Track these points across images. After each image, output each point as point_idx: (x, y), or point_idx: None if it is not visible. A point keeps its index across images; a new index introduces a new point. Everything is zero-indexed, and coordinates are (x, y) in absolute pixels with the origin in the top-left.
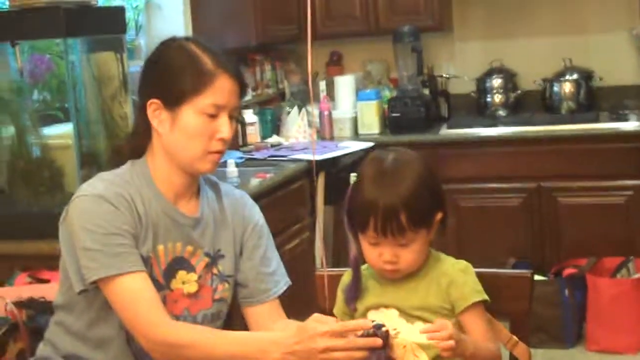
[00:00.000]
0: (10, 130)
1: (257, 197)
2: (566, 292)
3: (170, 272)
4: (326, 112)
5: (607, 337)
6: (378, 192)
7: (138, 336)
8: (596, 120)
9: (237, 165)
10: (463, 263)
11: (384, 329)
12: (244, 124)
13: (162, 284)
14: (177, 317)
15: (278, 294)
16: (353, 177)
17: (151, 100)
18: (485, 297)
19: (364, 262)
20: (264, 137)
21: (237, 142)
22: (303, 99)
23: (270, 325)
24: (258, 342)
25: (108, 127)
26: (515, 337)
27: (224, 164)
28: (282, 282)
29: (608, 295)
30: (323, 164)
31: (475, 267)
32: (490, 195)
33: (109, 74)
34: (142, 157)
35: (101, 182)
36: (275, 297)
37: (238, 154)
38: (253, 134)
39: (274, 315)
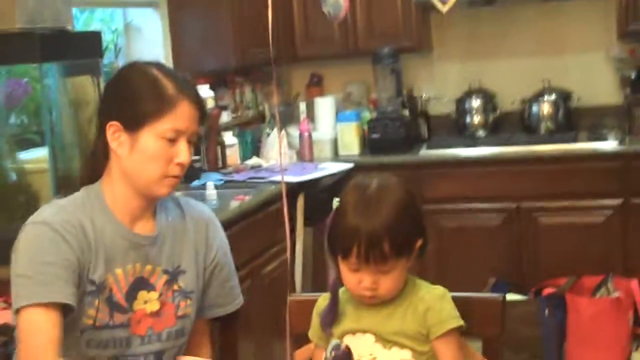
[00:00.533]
0: None
1: (236, 219)
2: (546, 311)
3: (132, 294)
4: (306, 134)
5: (588, 356)
6: (361, 220)
7: None
8: (575, 140)
9: (217, 187)
10: (440, 289)
11: (342, 345)
12: (224, 146)
13: (125, 307)
14: (142, 338)
15: (234, 309)
16: (336, 202)
17: (111, 123)
18: (461, 322)
19: (342, 285)
20: (243, 158)
21: (217, 164)
22: (283, 120)
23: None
24: None
25: (84, 151)
26: None
27: (203, 187)
28: (238, 299)
29: (588, 314)
30: (303, 186)
31: (455, 287)
32: (470, 215)
33: (86, 98)
34: (96, 183)
35: (52, 208)
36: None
37: (218, 176)
38: (232, 155)
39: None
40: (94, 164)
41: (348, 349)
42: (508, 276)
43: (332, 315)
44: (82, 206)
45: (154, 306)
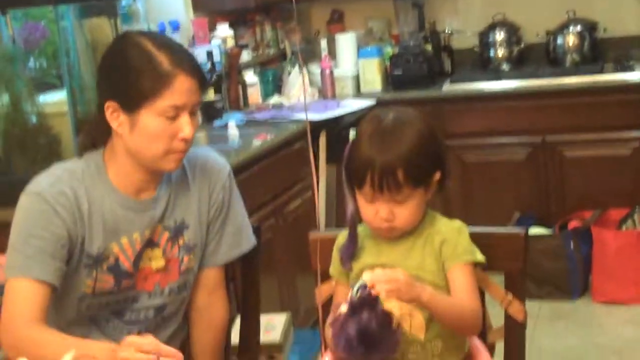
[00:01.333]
0: (6, 98)
1: (258, 158)
2: (572, 244)
3: (139, 257)
4: (327, 71)
5: (613, 289)
6: (376, 148)
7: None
8: (601, 72)
9: (238, 126)
10: (457, 223)
11: (360, 293)
12: (245, 85)
13: (131, 272)
14: (149, 293)
15: (246, 250)
16: (352, 133)
17: (108, 103)
18: (477, 257)
19: (361, 221)
20: (265, 97)
21: (238, 103)
22: (304, 58)
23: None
24: (89, 348)
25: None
26: (510, 296)
27: (225, 126)
28: (249, 240)
29: (613, 247)
30: (325, 124)
31: (479, 222)
32: (494, 150)
33: (103, 40)
34: (98, 152)
35: (49, 178)
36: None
37: (239, 115)
38: (254, 95)
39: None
40: (95, 135)
41: (364, 287)
42: (533, 210)
43: (351, 250)
44: (81, 177)
45: (159, 263)
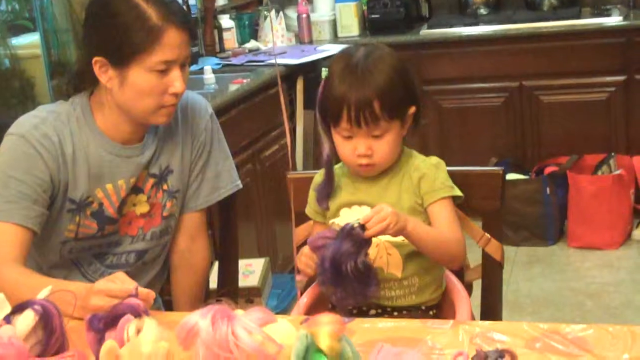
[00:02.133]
0: None
1: (235, 103)
2: (548, 190)
3: (123, 203)
4: (304, 15)
5: (588, 233)
6: (350, 83)
7: None
8: (578, 16)
9: (214, 71)
10: (435, 159)
11: (356, 226)
12: (220, 30)
13: (115, 218)
14: (131, 238)
15: (228, 193)
16: (324, 72)
17: (96, 59)
18: (455, 192)
19: (337, 161)
20: (241, 42)
21: (214, 48)
22: (281, 2)
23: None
24: (66, 287)
25: (78, 36)
26: (487, 235)
27: (201, 71)
28: (234, 183)
29: (589, 192)
30: (302, 68)
31: (456, 166)
32: (471, 95)
33: None
34: (85, 95)
35: (33, 119)
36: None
37: (215, 60)
38: (230, 39)
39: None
40: (79, 84)
41: (361, 227)
42: (510, 155)
43: (328, 189)
44: (66, 120)
45: (144, 208)
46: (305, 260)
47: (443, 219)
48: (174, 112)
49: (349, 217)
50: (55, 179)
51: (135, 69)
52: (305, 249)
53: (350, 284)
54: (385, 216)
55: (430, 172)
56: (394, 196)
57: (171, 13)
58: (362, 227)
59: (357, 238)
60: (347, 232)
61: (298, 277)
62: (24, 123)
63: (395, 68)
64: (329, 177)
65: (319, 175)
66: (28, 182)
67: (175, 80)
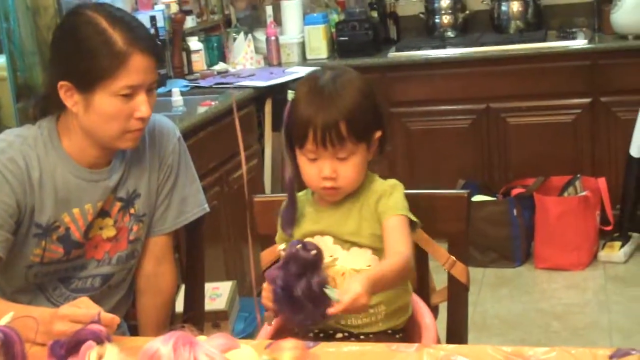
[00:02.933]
0: None
1: (203, 125)
2: (515, 211)
3: (90, 227)
4: (273, 38)
5: (555, 255)
6: (316, 104)
7: None
8: (544, 39)
9: (183, 93)
10: (392, 181)
11: (312, 252)
12: (189, 52)
13: (81, 242)
14: (98, 261)
15: (196, 216)
16: (291, 94)
17: (61, 83)
18: (409, 214)
19: (301, 188)
20: (210, 64)
21: (182, 70)
22: (250, 24)
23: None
24: (29, 312)
25: (44, 59)
26: (453, 257)
27: (169, 93)
28: (201, 206)
29: (555, 213)
30: (270, 90)
31: (424, 189)
32: (439, 117)
33: (44, 3)
34: (52, 119)
35: (0, 143)
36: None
37: (183, 82)
38: (198, 61)
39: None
40: (46, 107)
41: (303, 247)
42: (477, 178)
43: (290, 214)
44: (33, 144)
45: (110, 232)
46: (266, 294)
47: (394, 233)
48: (141, 136)
49: None
50: (22, 204)
51: (100, 93)
52: (265, 284)
53: (305, 307)
54: (360, 307)
55: (387, 193)
56: (354, 224)
57: (137, 38)
58: (304, 246)
59: (302, 260)
60: (292, 256)
61: (266, 314)
62: None
63: (363, 91)
64: (292, 202)
65: (285, 202)
66: None
67: (141, 104)
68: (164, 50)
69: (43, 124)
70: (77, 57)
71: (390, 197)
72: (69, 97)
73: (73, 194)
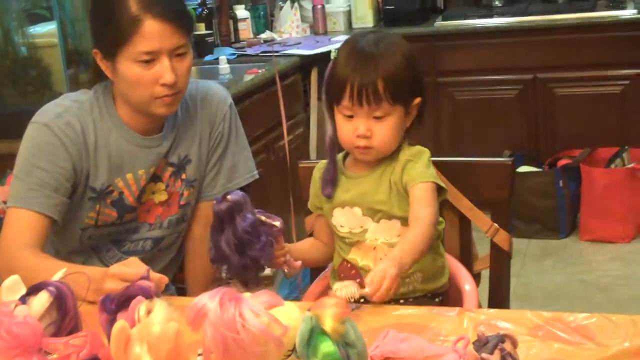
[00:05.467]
0: None
1: (250, 93)
2: (560, 182)
3: (143, 192)
4: (319, 6)
5: (600, 227)
6: (357, 62)
7: None
8: (593, 9)
9: (229, 61)
10: (418, 147)
11: (224, 204)
12: (236, 20)
13: (134, 206)
14: (149, 225)
15: (245, 182)
16: (333, 52)
17: (94, 50)
18: (434, 179)
19: (341, 149)
20: (256, 33)
21: (229, 38)
22: None
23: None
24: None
25: None
26: (496, 225)
27: (216, 61)
28: (251, 173)
29: (602, 185)
30: (316, 59)
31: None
32: (485, 87)
33: None
34: (108, 84)
35: (57, 108)
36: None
37: (230, 50)
38: (245, 29)
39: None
40: (96, 74)
41: (217, 201)
42: (523, 148)
43: (331, 174)
44: (89, 109)
45: (162, 196)
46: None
47: (419, 200)
48: (176, 101)
49: (342, 217)
50: (78, 168)
51: (122, 60)
52: None
53: (231, 258)
54: (389, 286)
55: (412, 161)
56: (384, 193)
57: (151, 3)
58: (218, 199)
59: (217, 214)
60: (213, 213)
61: (287, 270)
62: (48, 112)
63: (405, 55)
64: (332, 160)
65: (317, 170)
66: (51, 171)
67: (163, 71)
68: (210, 18)
69: (99, 89)
70: (98, 24)
71: (415, 165)
72: (102, 64)
73: (126, 160)
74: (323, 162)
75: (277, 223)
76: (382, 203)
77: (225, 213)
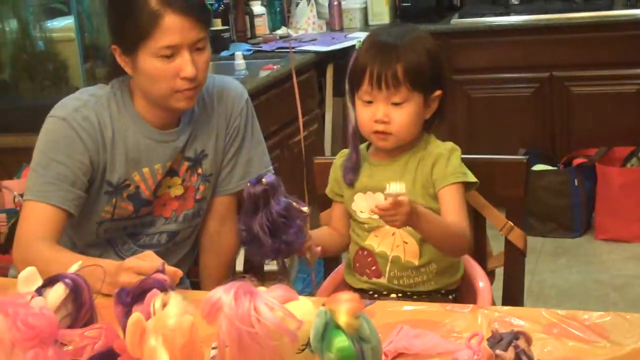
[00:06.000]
0: (13, 24)
1: (265, 89)
2: (575, 181)
3: (159, 186)
4: (335, 2)
5: (615, 226)
6: (379, 48)
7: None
8: (611, 7)
9: (245, 57)
10: (450, 144)
11: (260, 186)
12: (252, 16)
13: (150, 200)
14: (165, 219)
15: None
16: (358, 43)
17: (112, 46)
18: (468, 178)
19: (362, 140)
20: (272, 29)
21: (245, 34)
22: None
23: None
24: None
25: None
26: (510, 223)
27: (232, 57)
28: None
29: (617, 184)
30: (331, 55)
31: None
32: (501, 85)
33: None
34: (125, 79)
35: (75, 102)
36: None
37: (246, 46)
38: (261, 25)
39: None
40: (113, 69)
41: (251, 183)
42: (538, 147)
43: (353, 162)
44: (107, 104)
45: (178, 191)
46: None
47: (450, 207)
48: (196, 95)
49: (363, 202)
50: (95, 162)
51: (142, 55)
52: None
53: (264, 242)
54: (399, 214)
55: (443, 158)
56: (409, 181)
57: None
58: (252, 182)
59: (252, 196)
60: (246, 195)
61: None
62: (66, 105)
63: (428, 49)
64: (355, 147)
65: (339, 157)
66: (68, 165)
67: (184, 64)
68: (226, 13)
69: (116, 84)
70: (117, 19)
71: (448, 162)
72: (121, 60)
73: (143, 154)
74: (345, 151)
75: (305, 209)
76: (408, 184)
77: (260, 196)
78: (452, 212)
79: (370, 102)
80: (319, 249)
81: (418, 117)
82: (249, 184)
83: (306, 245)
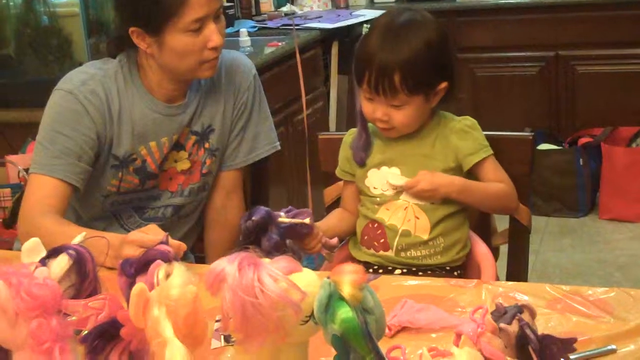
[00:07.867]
0: None
1: (270, 66)
2: (581, 161)
3: (165, 159)
4: None
5: (620, 206)
6: (377, 47)
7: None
8: None
9: (250, 34)
10: (470, 119)
11: (251, 220)
12: None
13: (156, 173)
14: (171, 193)
15: (267, 153)
16: (366, 27)
17: (132, 29)
18: (491, 151)
19: None
20: (277, 6)
21: (250, 11)
22: None
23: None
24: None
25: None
26: None
27: (237, 33)
28: (272, 144)
29: (622, 164)
30: (337, 33)
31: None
32: (506, 64)
33: None
34: (132, 53)
35: (82, 75)
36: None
37: (251, 23)
38: (266, 3)
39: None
40: (120, 46)
41: (244, 219)
42: (543, 126)
43: (363, 141)
44: (114, 78)
45: (185, 165)
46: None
47: (494, 177)
48: (218, 63)
49: (377, 178)
50: (101, 136)
51: (170, 33)
52: None
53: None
54: (422, 189)
55: (469, 134)
56: (425, 156)
57: None
58: (244, 218)
59: (245, 231)
60: (243, 231)
61: (325, 253)
62: (72, 79)
63: (430, 42)
64: (363, 127)
65: (348, 135)
66: (74, 139)
67: (212, 34)
68: None
69: (123, 58)
70: (141, 2)
71: (475, 137)
72: (142, 40)
73: (150, 128)
74: (353, 130)
75: (307, 220)
76: (425, 156)
77: (253, 231)
78: (499, 179)
79: (371, 99)
80: (334, 240)
81: (420, 112)
82: (242, 220)
83: (318, 246)
